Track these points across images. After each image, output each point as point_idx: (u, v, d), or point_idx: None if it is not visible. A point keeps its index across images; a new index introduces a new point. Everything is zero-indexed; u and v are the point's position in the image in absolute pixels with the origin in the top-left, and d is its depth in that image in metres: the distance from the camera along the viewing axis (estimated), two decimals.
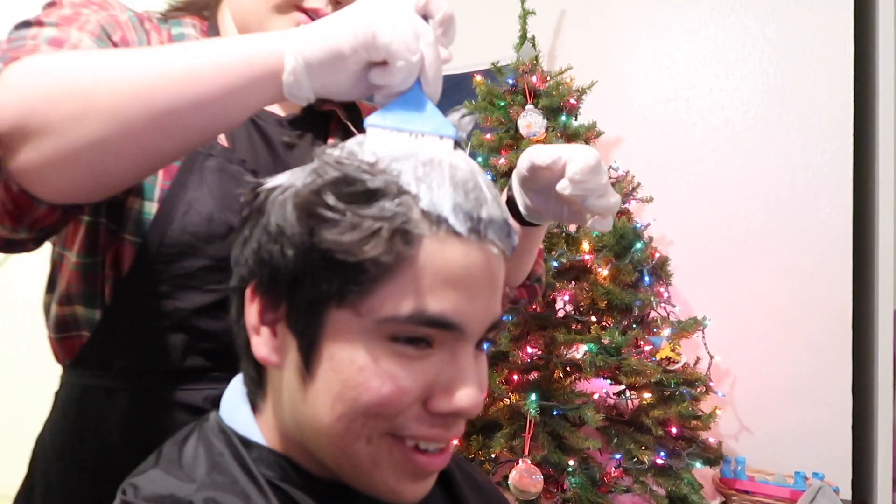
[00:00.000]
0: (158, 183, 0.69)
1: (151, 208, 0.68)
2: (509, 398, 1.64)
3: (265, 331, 0.53)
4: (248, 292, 0.54)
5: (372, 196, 0.49)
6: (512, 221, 0.59)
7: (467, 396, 0.51)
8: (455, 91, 2.03)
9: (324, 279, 0.49)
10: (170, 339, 0.68)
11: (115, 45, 0.67)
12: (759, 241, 2.01)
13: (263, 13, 0.74)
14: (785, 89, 2.00)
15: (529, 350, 1.68)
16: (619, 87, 2.12)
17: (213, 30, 0.78)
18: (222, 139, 0.73)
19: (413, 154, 0.52)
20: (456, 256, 0.50)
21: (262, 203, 0.53)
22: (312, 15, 0.73)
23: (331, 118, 0.85)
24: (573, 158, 0.66)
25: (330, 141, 0.77)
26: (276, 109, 0.81)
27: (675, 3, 2.09)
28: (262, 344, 0.53)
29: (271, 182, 0.53)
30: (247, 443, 0.55)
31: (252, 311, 0.53)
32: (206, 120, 0.54)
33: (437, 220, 0.49)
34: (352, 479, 0.54)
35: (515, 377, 1.68)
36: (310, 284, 0.50)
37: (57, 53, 0.55)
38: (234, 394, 0.59)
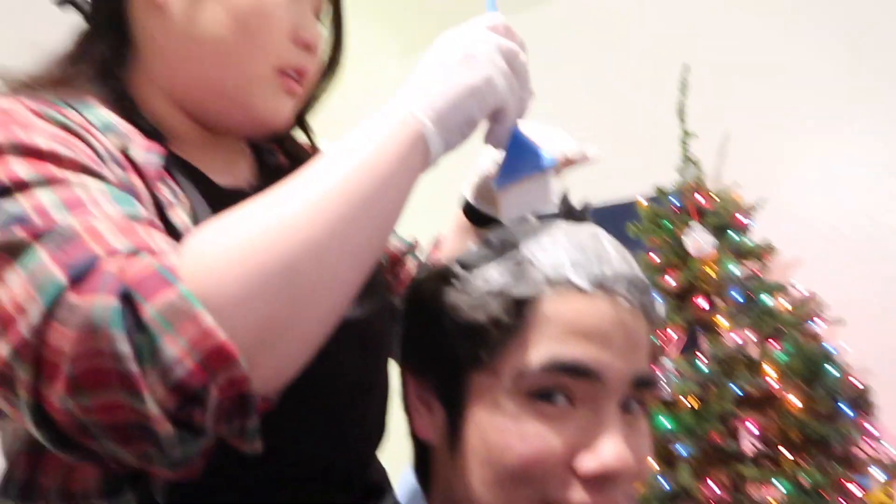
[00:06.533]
0: None
1: None
2: None
3: (422, 409, 0.55)
4: (403, 374, 0.57)
5: (491, 261, 0.52)
6: None
7: (612, 452, 0.48)
8: (619, 217, 2.02)
9: (456, 344, 0.52)
10: None
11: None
12: None
13: (240, 84, 0.59)
14: None
15: (713, 487, 1.52)
16: (791, 204, 2.02)
17: (119, 101, 0.58)
18: None
19: (529, 221, 0.56)
20: (582, 308, 0.50)
21: None
22: (296, 77, 0.61)
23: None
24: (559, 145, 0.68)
25: None
26: (217, 176, 0.62)
27: (846, 119, 2.00)
28: (419, 420, 0.56)
29: None
30: None
31: (409, 392, 0.56)
32: (388, 224, 0.49)
33: (557, 279, 0.50)
34: None
35: None
36: (447, 352, 0.52)
37: (218, 245, 0.42)
38: (407, 480, 0.60)
